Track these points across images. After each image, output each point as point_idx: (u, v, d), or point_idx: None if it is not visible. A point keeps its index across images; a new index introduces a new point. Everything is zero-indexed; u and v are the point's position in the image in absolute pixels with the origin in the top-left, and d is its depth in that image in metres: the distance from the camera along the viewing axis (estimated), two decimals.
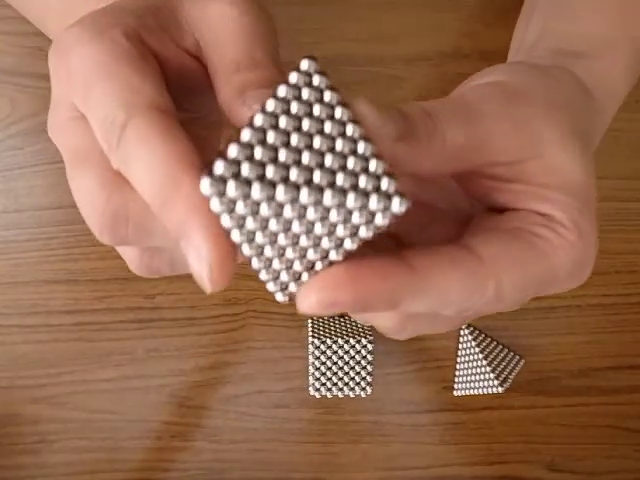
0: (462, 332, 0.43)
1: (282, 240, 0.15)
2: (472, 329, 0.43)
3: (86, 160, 0.18)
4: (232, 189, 0.14)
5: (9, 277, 0.41)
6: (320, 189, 0.14)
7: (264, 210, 0.14)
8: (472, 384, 0.43)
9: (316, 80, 0.15)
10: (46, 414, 0.44)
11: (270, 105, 0.15)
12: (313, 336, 0.39)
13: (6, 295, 0.41)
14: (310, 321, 0.41)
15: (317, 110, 0.15)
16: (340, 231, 0.15)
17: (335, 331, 0.40)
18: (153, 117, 0.16)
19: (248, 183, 0.14)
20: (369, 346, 0.39)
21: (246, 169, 0.14)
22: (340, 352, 0.39)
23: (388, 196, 0.14)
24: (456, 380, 0.45)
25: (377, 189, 0.14)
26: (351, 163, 0.14)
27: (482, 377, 0.42)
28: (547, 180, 0.19)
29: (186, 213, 0.15)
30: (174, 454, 0.46)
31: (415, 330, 0.20)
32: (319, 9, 0.36)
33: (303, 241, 0.15)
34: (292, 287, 0.17)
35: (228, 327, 0.43)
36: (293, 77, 0.15)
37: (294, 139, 0.14)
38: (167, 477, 0.46)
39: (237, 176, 0.14)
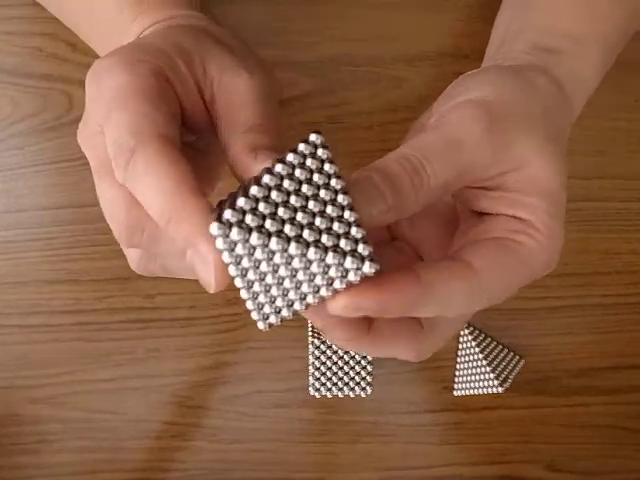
0: (462, 332, 0.43)
1: (269, 279, 0.18)
2: (472, 329, 0.43)
3: (109, 173, 0.21)
4: (235, 233, 0.17)
5: (10, 277, 0.41)
6: (307, 244, 0.17)
7: (258, 254, 0.17)
8: (472, 384, 0.43)
9: (319, 152, 0.18)
10: (46, 414, 0.44)
11: (278, 168, 0.18)
12: (313, 336, 0.39)
13: (7, 295, 0.41)
14: (310, 321, 0.42)
15: (316, 178, 0.18)
16: (318, 280, 0.18)
17: None
18: (160, 145, 0.19)
19: (249, 230, 0.17)
20: None
21: (249, 219, 0.17)
22: (340, 352, 0.39)
23: (362, 259, 0.17)
24: (456, 380, 0.45)
25: (353, 252, 0.17)
26: (336, 226, 0.17)
27: (482, 377, 0.42)
28: (525, 188, 0.22)
29: (192, 231, 0.18)
30: (174, 454, 0.46)
31: (432, 349, 0.24)
32: (320, 9, 0.36)
33: (287, 283, 0.18)
34: (272, 319, 0.20)
35: (228, 327, 0.43)
36: (301, 147, 0.18)
37: (292, 199, 0.17)
38: (167, 477, 0.46)
39: (241, 223, 0.17)
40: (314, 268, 0.17)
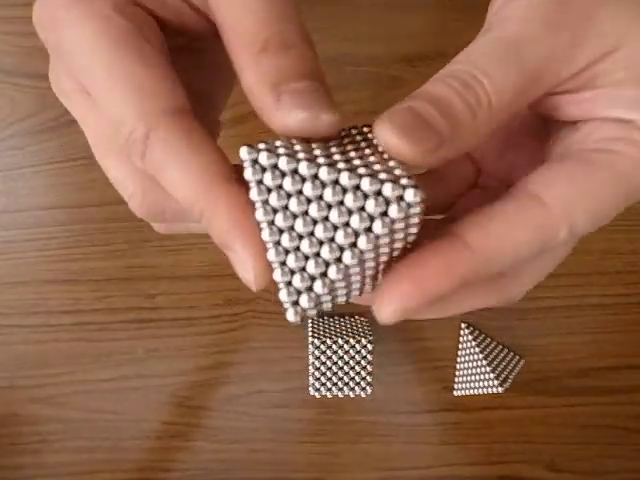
0: (462, 332, 0.43)
1: (299, 225, 0.15)
2: (472, 329, 0.43)
3: (111, 150, 0.18)
4: (264, 157, 0.14)
5: (9, 277, 0.41)
6: (339, 170, 0.14)
7: (287, 184, 0.15)
8: (472, 384, 0.43)
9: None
10: (46, 414, 0.44)
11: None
12: (313, 336, 0.39)
13: (6, 295, 0.41)
14: (310, 321, 0.41)
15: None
16: (355, 222, 0.14)
17: (335, 331, 0.40)
18: (175, 126, 0.15)
19: (278, 155, 0.14)
20: (369, 346, 0.39)
21: (281, 150, 0.14)
22: (340, 352, 0.39)
23: (403, 187, 0.14)
24: (456, 380, 0.45)
25: (392, 179, 0.14)
26: (372, 159, 0.15)
27: (482, 377, 0.42)
28: (624, 77, 0.17)
29: (228, 228, 0.15)
30: (174, 454, 0.46)
31: (522, 291, 0.19)
32: (319, 9, 0.36)
33: (319, 231, 0.15)
34: (303, 301, 0.16)
35: (228, 327, 0.43)
36: None
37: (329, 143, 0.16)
38: (167, 477, 0.46)
39: (270, 151, 0.14)
40: (349, 201, 0.14)
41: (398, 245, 0.16)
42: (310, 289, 0.15)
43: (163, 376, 0.44)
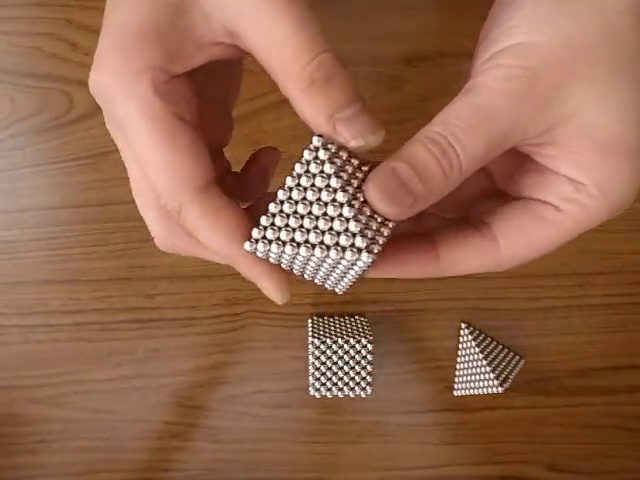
0: (462, 332, 0.43)
1: (309, 270, 0.22)
2: (472, 329, 0.43)
3: (145, 198, 0.22)
4: (260, 246, 0.20)
5: (10, 277, 0.41)
6: (313, 246, 0.19)
7: (286, 256, 0.20)
8: (472, 384, 0.43)
9: (320, 154, 0.19)
10: (46, 414, 0.44)
11: (288, 181, 0.20)
12: (313, 336, 0.39)
13: (6, 295, 0.41)
14: (310, 321, 0.41)
15: (319, 182, 0.20)
16: (339, 270, 0.21)
17: (335, 331, 0.40)
18: (201, 201, 0.20)
19: (269, 242, 0.20)
20: (369, 346, 0.39)
21: (269, 233, 0.20)
22: (340, 352, 0.39)
23: (359, 251, 0.19)
24: (456, 380, 0.45)
25: (352, 246, 0.19)
26: (336, 225, 0.19)
27: (482, 377, 0.42)
28: (577, 143, 0.20)
29: (250, 270, 0.21)
30: (174, 454, 0.46)
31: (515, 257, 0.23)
32: (319, 9, 0.35)
33: (321, 273, 0.22)
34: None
35: (228, 327, 0.43)
36: (305, 154, 0.20)
37: (300, 208, 0.20)
38: (167, 477, 0.46)
39: (264, 239, 0.20)
40: (327, 263, 0.20)
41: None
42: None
43: (163, 376, 0.44)
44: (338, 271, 0.21)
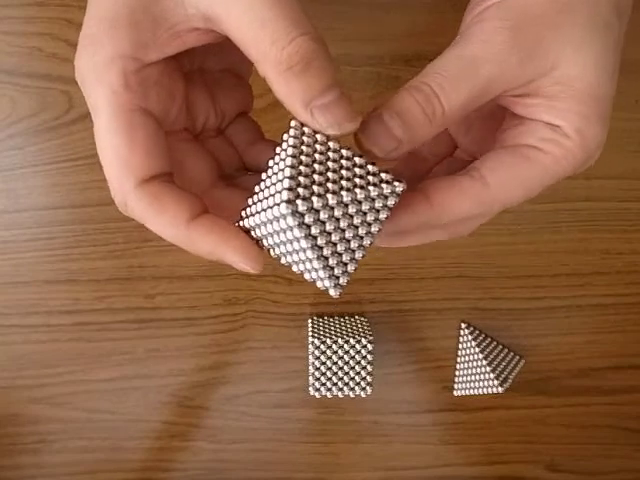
0: (462, 332, 0.43)
1: (334, 237, 0.20)
2: (472, 329, 0.43)
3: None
4: (301, 205, 0.19)
5: (9, 277, 0.41)
6: (354, 191, 0.20)
7: (322, 215, 0.19)
8: (472, 384, 0.43)
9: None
10: (46, 414, 0.44)
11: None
12: (313, 336, 0.39)
13: (6, 295, 0.41)
14: (310, 321, 0.41)
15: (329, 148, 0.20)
16: (369, 217, 0.20)
17: (335, 331, 0.40)
18: (144, 195, 0.20)
19: (310, 197, 0.19)
20: (369, 346, 0.39)
21: (302, 191, 0.19)
22: (340, 352, 0.39)
23: (392, 182, 0.20)
24: (456, 380, 0.45)
25: (384, 181, 0.20)
26: (358, 171, 0.20)
27: (482, 377, 0.42)
28: (557, 92, 0.21)
29: (211, 249, 0.21)
30: (174, 454, 0.46)
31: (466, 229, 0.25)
32: (319, 9, 0.36)
33: (347, 234, 0.20)
34: (342, 280, 0.21)
35: (228, 327, 0.43)
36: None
37: (320, 167, 0.20)
38: (167, 477, 0.46)
39: (297, 198, 0.19)
40: (364, 206, 0.20)
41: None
42: (345, 271, 0.21)
43: (163, 376, 0.44)
44: (364, 225, 0.20)
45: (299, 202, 0.18)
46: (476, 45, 0.21)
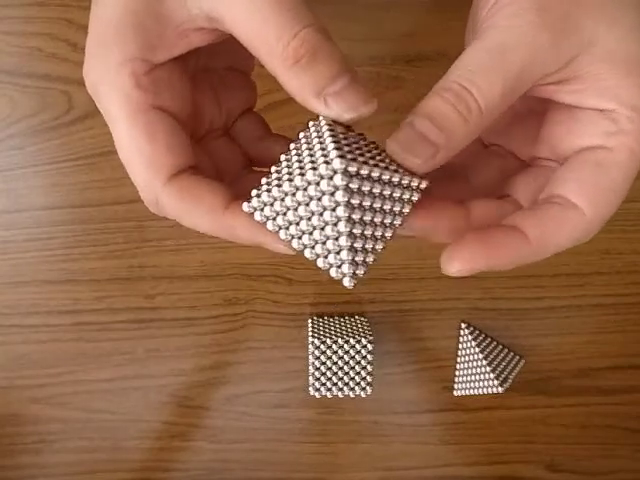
0: (462, 332, 0.43)
1: (367, 216, 0.19)
2: (472, 329, 0.43)
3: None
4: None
5: (9, 277, 0.41)
6: (392, 171, 0.19)
7: (365, 187, 0.19)
8: (472, 384, 0.43)
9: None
10: (46, 414, 0.44)
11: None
12: (313, 336, 0.39)
13: (6, 295, 0.41)
14: (310, 321, 0.41)
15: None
16: (396, 206, 0.20)
17: (335, 331, 0.40)
18: (176, 190, 0.20)
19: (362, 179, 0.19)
20: (369, 346, 0.39)
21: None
22: (340, 352, 0.39)
23: (418, 176, 0.20)
24: (456, 380, 0.45)
25: (409, 173, 0.20)
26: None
27: (482, 377, 0.42)
28: (600, 69, 0.20)
29: (253, 235, 0.20)
30: (174, 454, 0.46)
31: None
32: (319, 9, 0.35)
33: (377, 218, 0.20)
34: (360, 270, 0.20)
35: (228, 327, 0.43)
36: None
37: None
38: (167, 477, 0.46)
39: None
40: (396, 193, 0.19)
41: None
42: (364, 261, 0.20)
43: (163, 376, 0.44)
44: (388, 214, 0.20)
45: (351, 162, 0.18)
46: (501, 33, 0.19)
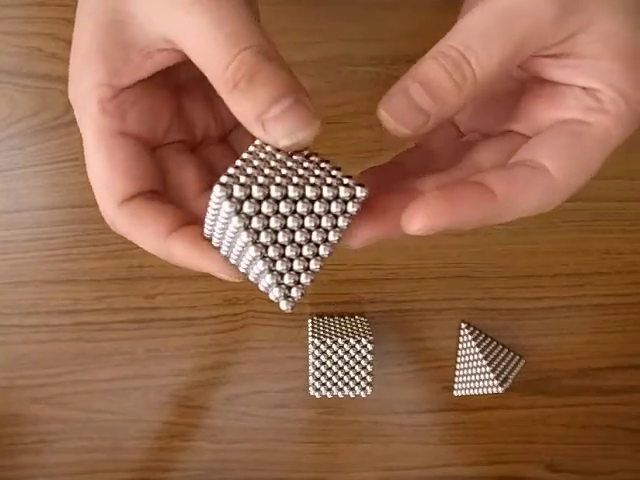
0: (462, 332, 0.43)
1: (281, 237, 0.19)
2: (472, 329, 0.43)
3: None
4: (237, 190, 0.17)
5: (9, 277, 0.41)
6: (303, 187, 0.18)
7: (264, 207, 0.18)
8: (472, 384, 0.43)
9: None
10: (46, 414, 0.44)
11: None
12: (313, 336, 0.39)
13: (6, 295, 0.41)
14: (310, 321, 0.41)
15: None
16: (324, 222, 0.19)
17: (335, 331, 0.40)
18: (127, 214, 0.21)
19: (249, 186, 0.18)
20: (369, 346, 0.39)
21: (243, 179, 0.18)
22: (340, 352, 0.39)
23: (353, 186, 0.18)
24: (456, 380, 0.45)
25: (343, 184, 0.18)
26: (318, 172, 0.19)
27: (482, 377, 0.42)
28: (597, 50, 0.20)
29: (186, 261, 0.21)
30: (174, 454, 0.46)
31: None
32: (319, 9, 0.36)
33: (298, 236, 0.19)
34: (294, 292, 0.19)
35: (228, 327, 0.43)
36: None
37: (273, 163, 0.19)
38: (167, 477, 0.46)
39: (237, 184, 0.18)
40: (317, 208, 0.18)
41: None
42: (298, 282, 0.19)
43: (163, 376, 0.44)
44: (319, 231, 0.19)
45: (235, 186, 0.17)
46: (508, 5, 0.19)
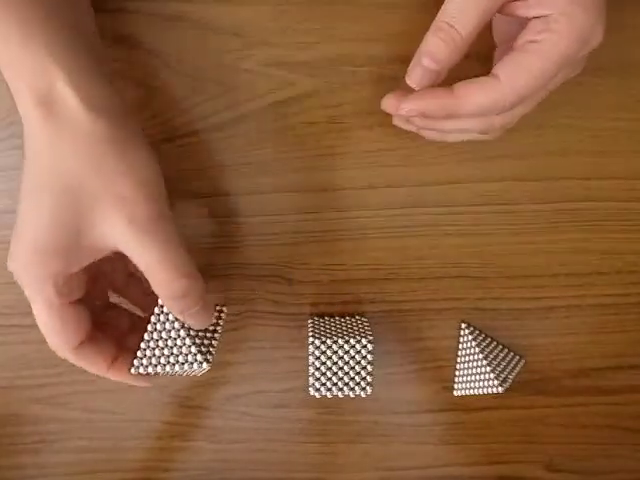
0: (462, 332, 0.43)
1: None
2: (472, 329, 0.43)
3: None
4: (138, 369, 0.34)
5: (9, 277, 0.41)
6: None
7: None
8: (472, 384, 0.43)
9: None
10: (46, 414, 0.44)
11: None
12: (313, 336, 0.39)
13: (6, 295, 0.41)
14: (310, 321, 0.41)
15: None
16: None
17: (335, 331, 0.40)
18: (76, 355, 0.31)
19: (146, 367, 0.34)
20: (369, 346, 0.39)
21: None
22: (340, 352, 0.39)
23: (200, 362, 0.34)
24: (456, 380, 0.45)
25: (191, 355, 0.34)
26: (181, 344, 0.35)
27: (482, 377, 0.42)
28: None
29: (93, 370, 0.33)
30: (174, 454, 0.46)
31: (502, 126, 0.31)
32: (319, 9, 0.36)
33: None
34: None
35: (228, 327, 0.43)
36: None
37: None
38: (167, 477, 0.46)
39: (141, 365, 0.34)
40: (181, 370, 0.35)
41: None
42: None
43: (163, 376, 0.44)
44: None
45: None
46: None
